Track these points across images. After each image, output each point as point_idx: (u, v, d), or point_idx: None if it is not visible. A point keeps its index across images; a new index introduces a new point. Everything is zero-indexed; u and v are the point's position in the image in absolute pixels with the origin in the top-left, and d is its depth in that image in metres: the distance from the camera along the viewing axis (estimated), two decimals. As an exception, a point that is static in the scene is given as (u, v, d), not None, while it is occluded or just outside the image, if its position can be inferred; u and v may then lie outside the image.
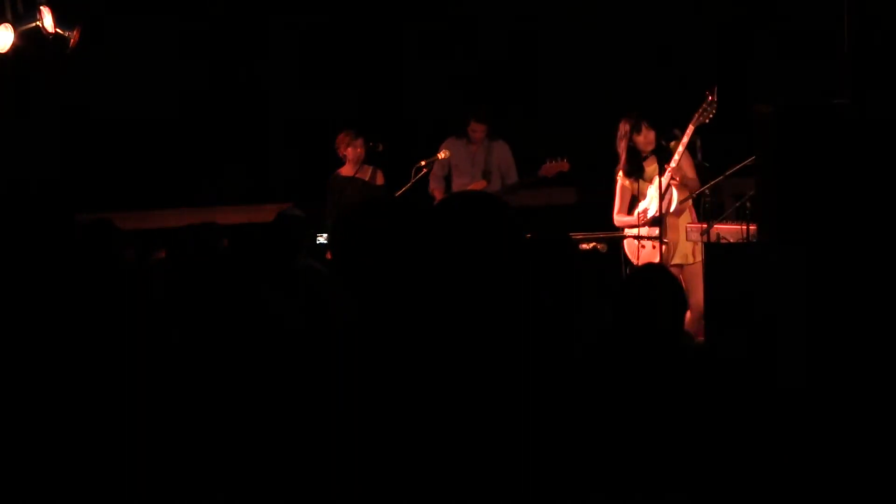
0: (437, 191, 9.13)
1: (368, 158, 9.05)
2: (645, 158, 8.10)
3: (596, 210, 9.09)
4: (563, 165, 8.82)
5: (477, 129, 9.08)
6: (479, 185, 8.94)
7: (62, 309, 3.74)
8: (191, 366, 3.70)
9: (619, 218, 8.41)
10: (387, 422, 2.90)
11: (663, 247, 7.96)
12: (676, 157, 7.96)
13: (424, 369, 2.94)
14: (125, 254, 5.80)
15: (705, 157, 8.72)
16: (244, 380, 3.42)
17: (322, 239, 8.12)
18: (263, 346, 3.58)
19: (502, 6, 10.31)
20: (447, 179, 9.20)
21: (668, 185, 7.99)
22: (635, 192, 8.26)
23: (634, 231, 8.25)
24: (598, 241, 8.19)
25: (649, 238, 8.12)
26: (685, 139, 7.96)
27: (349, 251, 3.07)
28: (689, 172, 8.06)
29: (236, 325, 3.89)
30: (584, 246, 7.98)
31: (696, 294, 7.91)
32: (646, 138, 8.14)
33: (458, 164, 9.14)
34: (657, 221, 8.00)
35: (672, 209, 8.00)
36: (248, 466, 3.14)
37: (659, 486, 2.97)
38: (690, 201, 8.13)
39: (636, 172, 8.17)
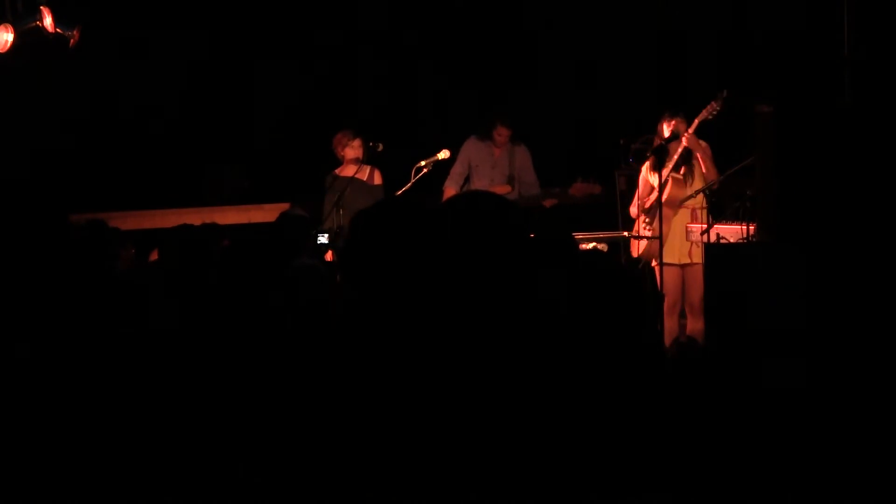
0: (450, 189, 9.09)
1: (367, 158, 9.04)
2: (668, 142, 8.13)
3: (596, 210, 9.09)
4: (595, 188, 8.72)
5: (502, 133, 9.04)
6: (503, 189, 8.90)
7: (57, 309, 3.74)
8: (190, 366, 3.70)
9: (633, 209, 8.49)
10: (385, 420, 2.91)
11: (650, 240, 8.05)
12: (683, 141, 8.04)
13: (424, 368, 2.94)
14: (124, 254, 5.80)
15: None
16: (244, 380, 3.42)
17: (323, 239, 8.10)
18: (263, 345, 3.58)
19: (503, 7, 10.32)
20: (467, 179, 9.17)
21: (668, 177, 8.07)
22: (654, 186, 8.31)
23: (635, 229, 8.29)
24: (598, 241, 8.20)
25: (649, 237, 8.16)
26: (691, 129, 8.02)
27: (364, 254, 3.07)
28: (704, 160, 8.12)
29: (236, 325, 3.89)
30: (584, 246, 7.98)
31: (694, 295, 7.94)
32: (669, 129, 8.26)
33: (479, 166, 9.11)
34: (649, 212, 8.07)
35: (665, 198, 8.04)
36: (247, 466, 3.14)
37: (642, 486, 2.97)
38: (697, 202, 8.13)
39: (658, 165, 8.22)
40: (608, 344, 3.30)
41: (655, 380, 3.37)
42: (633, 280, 3.77)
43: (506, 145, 9.09)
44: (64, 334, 3.69)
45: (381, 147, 8.84)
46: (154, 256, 6.55)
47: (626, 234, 8.47)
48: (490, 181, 9.03)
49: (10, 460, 3.45)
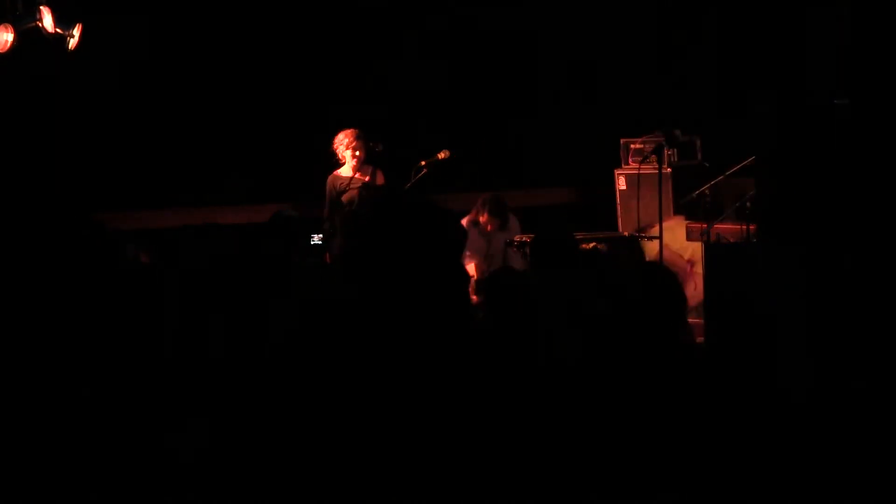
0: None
1: (368, 158, 9.04)
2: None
3: (596, 210, 9.10)
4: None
5: (490, 222, 8.88)
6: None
7: (57, 309, 3.74)
8: (189, 366, 3.70)
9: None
10: (386, 420, 2.91)
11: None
12: None
13: (424, 367, 2.94)
14: (130, 254, 5.78)
15: (705, 156, 8.74)
16: (243, 379, 3.42)
17: (316, 239, 8.07)
18: (261, 346, 3.58)
19: (503, 8, 10.32)
20: None
21: None
22: None
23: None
24: (598, 241, 8.21)
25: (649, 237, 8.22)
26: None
27: (363, 253, 3.07)
28: None
29: (234, 326, 3.89)
30: (585, 246, 7.98)
31: None
32: None
33: (470, 247, 8.83)
34: None
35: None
36: (246, 466, 3.14)
37: (652, 486, 2.98)
38: None
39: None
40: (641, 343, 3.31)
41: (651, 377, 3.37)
42: (668, 278, 3.78)
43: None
44: (68, 336, 3.69)
45: (380, 147, 8.84)
46: (144, 259, 6.51)
47: (626, 233, 8.48)
48: (488, 262, 8.81)
49: (6, 461, 3.45)
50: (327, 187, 9.11)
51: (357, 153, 9.02)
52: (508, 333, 4.47)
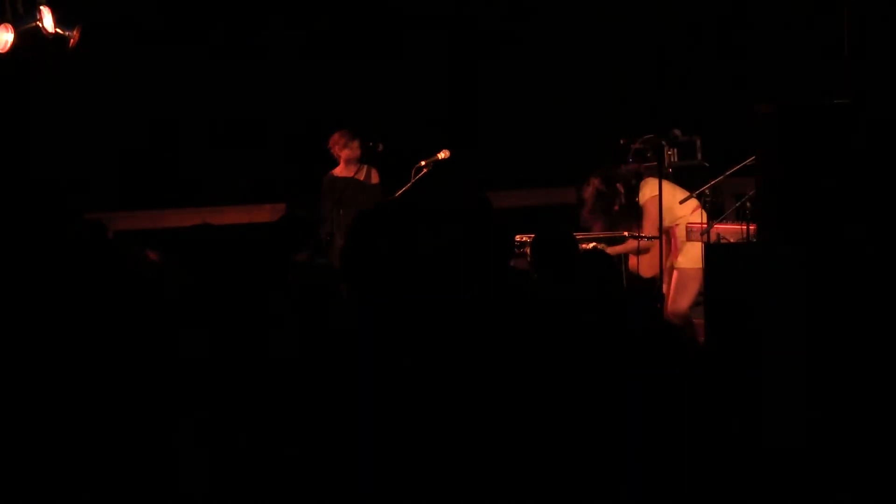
0: None
1: (365, 158, 9.04)
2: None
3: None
4: None
5: None
6: None
7: (58, 309, 3.74)
8: (192, 366, 3.70)
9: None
10: (387, 421, 2.91)
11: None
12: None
13: (427, 370, 2.94)
14: (137, 254, 5.78)
15: (705, 157, 8.75)
16: (246, 379, 3.42)
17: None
18: (265, 345, 3.58)
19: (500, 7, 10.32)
20: None
21: None
22: None
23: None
24: (598, 241, 8.20)
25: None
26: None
27: (363, 254, 3.07)
28: None
29: (239, 325, 3.89)
30: (585, 246, 7.98)
31: (678, 300, 7.99)
32: None
33: None
34: None
35: None
36: (249, 466, 3.14)
37: (650, 487, 2.98)
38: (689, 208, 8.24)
39: None
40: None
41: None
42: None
43: None
44: (64, 334, 3.69)
45: (381, 147, 8.84)
46: (153, 257, 6.52)
47: (626, 233, 8.47)
48: None
49: (6, 460, 3.45)
50: (323, 187, 9.12)
51: (354, 153, 9.02)
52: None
